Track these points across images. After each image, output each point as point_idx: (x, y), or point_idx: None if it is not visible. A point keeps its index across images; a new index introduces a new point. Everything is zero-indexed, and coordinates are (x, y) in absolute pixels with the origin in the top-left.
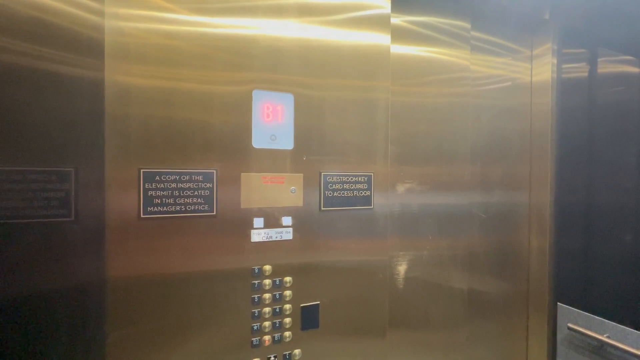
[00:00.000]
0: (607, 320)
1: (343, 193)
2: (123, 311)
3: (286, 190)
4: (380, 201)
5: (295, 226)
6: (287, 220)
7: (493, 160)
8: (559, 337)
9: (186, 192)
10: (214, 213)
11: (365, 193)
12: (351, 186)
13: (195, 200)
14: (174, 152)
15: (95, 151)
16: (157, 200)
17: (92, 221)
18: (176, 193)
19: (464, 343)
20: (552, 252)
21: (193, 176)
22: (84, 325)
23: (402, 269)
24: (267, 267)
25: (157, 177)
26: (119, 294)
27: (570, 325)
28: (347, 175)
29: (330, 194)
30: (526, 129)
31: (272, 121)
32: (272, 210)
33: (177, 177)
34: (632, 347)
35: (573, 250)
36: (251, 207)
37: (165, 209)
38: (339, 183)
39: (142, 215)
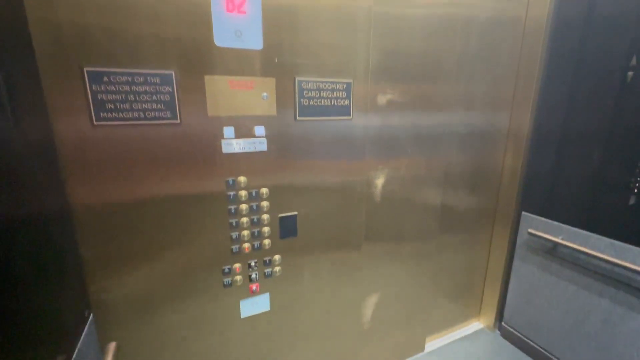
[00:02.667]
0: (563, 225)
1: (320, 102)
2: (91, 232)
3: (257, 97)
4: (359, 113)
5: (269, 137)
6: (260, 130)
7: (478, 79)
8: (519, 242)
9: (143, 97)
10: (178, 121)
11: (343, 102)
12: (329, 94)
13: (154, 106)
14: (121, 49)
15: (25, 49)
16: (110, 105)
17: (37, 131)
18: (131, 97)
19: (434, 252)
20: (523, 170)
21: (148, 78)
22: (51, 249)
23: (379, 182)
24: (242, 179)
25: (106, 78)
26: (83, 214)
27: (530, 230)
28: (325, 82)
29: (306, 102)
30: (517, 46)
31: (236, 13)
32: (243, 119)
33: (130, 79)
34: (581, 245)
35: (543, 169)
36: (219, 115)
37: (120, 115)
38: (315, 90)
39: (95, 122)
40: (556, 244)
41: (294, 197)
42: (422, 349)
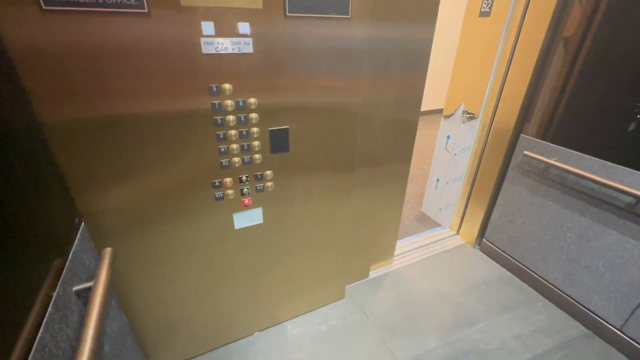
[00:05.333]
0: (559, 147)
1: None
2: (67, 145)
3: None
4: (359, 11)
5: (255, 36)
6: (244, 28)
7: None
8: (512, 164)
9: None
10: (145, 10)
11: None
12: None
13: None
14: None
15: None
16: None
17: None
18: None
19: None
20: (527, 93)
21: None
22: (23, 160)
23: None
24: (227, 86)
25: None
26: (54, 127)
27: (526, 152)
28: None
29: None
30: None
31: None
32: (223, 11)
33: None
34: (573, 167)
35: (546, 92)
36: (195, 4)
37: None
38: None
39: (43, 6)
40: (549, 166)
41: (285, 111)
42: (391, 261)
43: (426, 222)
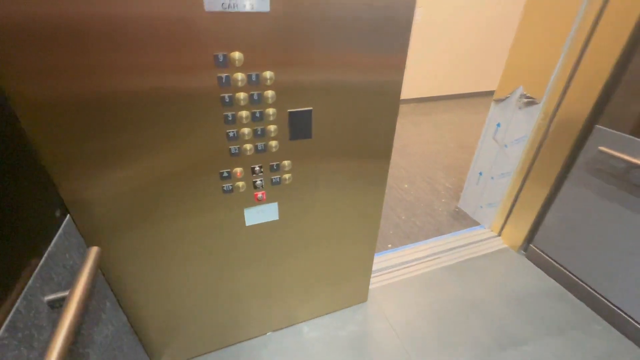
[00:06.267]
0: None
1: None
2: (46, 125)
3: None
4: None
5: None
6: None
7: None
8: (580, 161)
9: None
10: None
11: None
12: None
13: None
14: None
15: None
16: None
17: None
18: None
19: None
20: (612, 73)
21: None
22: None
23: None
24: (237, 55)
25: None
26: (26, 103)
27: (602, 148)
28: None
29: None
30: None
31: None
32: None
33: None
34: None
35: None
36: None
37: None
38: None
39: None
40: (632, 167)
41: (308, 89)
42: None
43: (463, 220)
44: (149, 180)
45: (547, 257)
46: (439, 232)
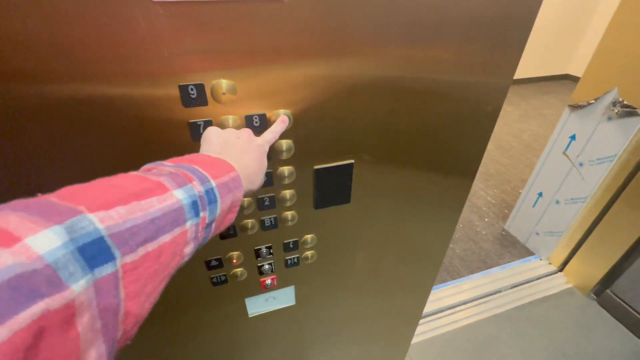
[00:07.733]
0: None
1: None
2: None
3: None
4: None
5: None
6: None
7: None
8: None
9: None
10: None
11: None
12: None
13: None
14: None
15: None
16: None
17: None
18: None
19: None
20: None
21: None
22: None
23: None
24: (223, 84)
25: None
26: None
27: None
28: None
29: None
30: None
31: None
32: None
33: None
34: None
35: None
36: None
37: None
38: None
39: None
40: None
41: (346, 131)
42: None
43: (512, 248)
44: None
45: (631, 309)
46: (484, 264)
